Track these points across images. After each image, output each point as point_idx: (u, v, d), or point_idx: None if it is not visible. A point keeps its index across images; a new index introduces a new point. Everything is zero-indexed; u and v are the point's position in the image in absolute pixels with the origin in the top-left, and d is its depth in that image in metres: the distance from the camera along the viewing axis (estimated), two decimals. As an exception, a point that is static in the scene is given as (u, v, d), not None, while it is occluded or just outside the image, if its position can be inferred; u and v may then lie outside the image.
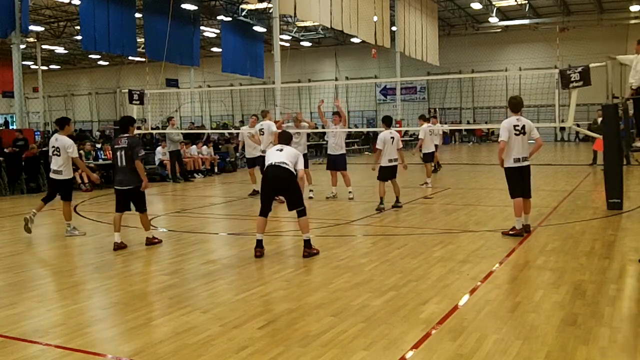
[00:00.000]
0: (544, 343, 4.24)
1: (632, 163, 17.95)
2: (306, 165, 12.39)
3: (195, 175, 19.03)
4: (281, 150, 7.35)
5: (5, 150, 15.64)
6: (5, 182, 15.21)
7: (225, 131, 26.95)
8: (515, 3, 34.78)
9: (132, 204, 8.12)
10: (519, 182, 8.14)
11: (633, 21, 35.99)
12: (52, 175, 9.12)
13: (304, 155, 12.58)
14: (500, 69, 38.22)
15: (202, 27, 32.26)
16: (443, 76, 35.37)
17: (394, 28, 31.11)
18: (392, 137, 10.90)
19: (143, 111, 18.64)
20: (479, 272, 6.25)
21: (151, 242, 8.12)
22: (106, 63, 48.43)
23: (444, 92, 41.78)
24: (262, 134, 12.86)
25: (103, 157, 17.13)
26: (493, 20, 37.04)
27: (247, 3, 28.63)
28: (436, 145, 15.48)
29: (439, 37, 36.46)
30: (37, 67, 32.14)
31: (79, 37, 29.28)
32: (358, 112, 42.90)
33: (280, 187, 7.30)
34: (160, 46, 22.91)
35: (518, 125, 8.09)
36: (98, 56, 44.92)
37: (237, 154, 22.32)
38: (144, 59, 25.76)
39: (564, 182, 14.88)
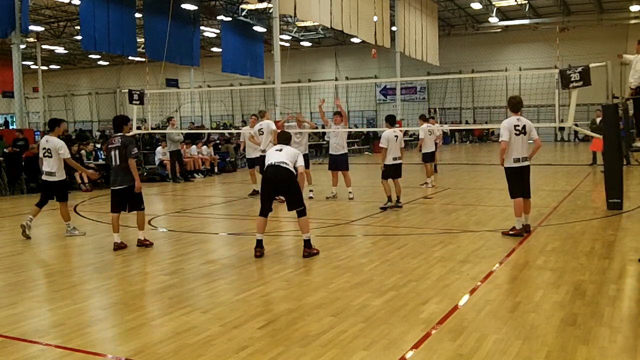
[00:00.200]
0: (544, 343, 4.24)
1: (632, 163, 17.95)
2: (307, 166, 12.41)
3: (195, 175, 19.03)
4: (281, 150, 7.35)
5: (5, 150, 15.65)
6: (5, 182, 15.21)
7: (226, 131, 26.96)
8: (515, 3, 34.77)
9: (128, 204, 8.07)
10: (519, 182, 8.15)
11: (633, 21, 35.98)
12: (45, 178, 8.99)
13: (305, 156, 12.64)
14: (500, 69, 38.22)
15: (202, 27, 32.26)
16: (443, 76, 35.36)
17: (394, 28, 31.11)
18: (396, 136, 10.97)
19: (143, 111, 18.65)
20: (479, 272, 6.25)
21: (142, 243, 7.98)
22: (106, 63, 48.42)
23: (444, 92, 41.78)
24: (262, 134, 12.87)
25: (103, 157, 17.13)
26: (493, 20, 37.03)
27: (247, 3, 28.63)
28: (436, 144, 15.46)
29: (439, 37, 36.46)
30: (37, 67, 32.15)
31: (79, 37, 29.28)
32: (358, 112, 42.90)
33: (280, 187, 7.30)
34: (160, 46, 22.91)
35: (518, 125, 8.09)
36: (98, 56, 44.92)
37: (237, 154, 22.35)
38: (144, 59, 25.76)
39: (564, 182, 14.88)
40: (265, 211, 7.25)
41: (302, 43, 41.47)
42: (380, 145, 10.98)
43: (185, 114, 40.08)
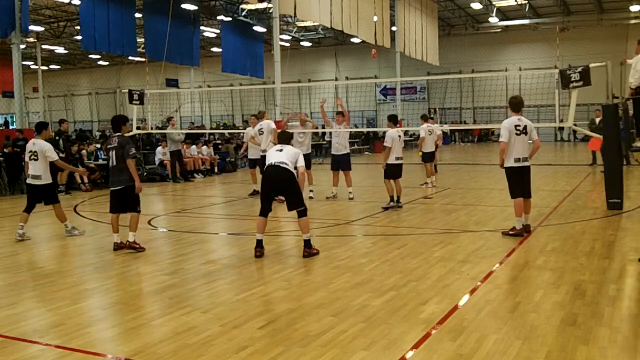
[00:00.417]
0: (544, 343, 4.24)
1: (632, 163, 17.95)
2: (309, 166, 12.42)
3: (195, 175, 19.03)
4: (281, 150, 7.35)
5: (5, 150, 15.65)
6: (5, 182, 15.21)
7: (226, 131, 26.98)
8: (515, 3, 34.77)
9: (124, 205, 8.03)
10: (519, 182, 8.15)
11: (633, 21, 35.98)
12: (30, 181, 8.85)
13: (308, 155, 12.65)
14: (500, 69, 38.22)
15: (202, 27, 32.25)
16: (443, 76, 35.37)
17: (394, 28, 31.12)
18: (399, 136, 11.08)
19: (143, 111, 18.65)
20: (479, 272, 6.25)
21: (132, 246, 7.74)
22: (106, 63, 48.42)
23: (444, 92, 41.77)
24: (262, 134, 12.87)
25: (103, 157, 17.13)
26: (493, 20, 37.03)
27: (247, 3, 28.63)
28: (436, 145, 15.45)
29: (439, 37, 36.47)
30: (37, 67, 32.12)
31: (79, 37, 29.27)
32: (358, 112, 42.89)
33: (280, 187, 7.29)
34: (160, 46, 22.91)
35: (519, 125, 8.10)
36: (98, 56, 44.91)
37: (237, 154, 22.36)
38: (144, 59, 25.76)
39: (564, 182, 14.88)
40: (265, 211, 7.25)
41: (302, 43, 41.47)
42: (385, 144, 11.01)
43: (185, 114, 40.06)
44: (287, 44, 36.60)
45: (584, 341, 4.27)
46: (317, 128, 17.97)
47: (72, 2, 27.94)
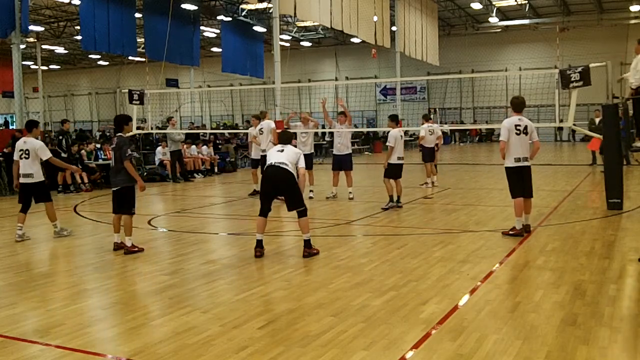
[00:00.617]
0: (544, 343, 4.24)
1: (632, 163, 17.95)
2: (311, 166, 12.43)
3: (195, 175, 19.03)
4: (282, 150, 7.34)
5: (5, 150, 15.64)
6: (5, 182, 15.19)
7: (226, 131, 26.97)
8: (515, 3, 34.77)
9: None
10: (519, 181, 8.15)
11: (633, 21, 35.97)
12: (22, 180, 8.78)
13: (310, 155, 12.65)
14: (500, 69, 38.22)
15: (202, 27, 32.24)
16: (443, 76, 35.35)
17: (394, 28, 31.10)
18: (401, 135, 11.14)
19: (143, 111, 18.65)
20: (479, 272, 6.25)
21: (130, 250, 7.61)
22: (106, 63, 48.42)
23: (444, 92, 41.77)
24: (262, 134, 12.87)
25: (103, 157, 17.14)
26: (493, 20, 37.02)
27: (247, 3, 28.62)
28: (437, 145, 15.43)
29: (439, 37, 36.45)
30: (37, 67, 32.12)
31: (79, 37, 29.26)
32: (358, 112, 42.86)
33: (280, 187, 7.29)
34: (160, 46, 22.90)
35: (520, 125, 8.10)
36: (98, 56, 44.91)
37: (238, 154, 22.36)
38: (144, 59, 25.75)
39: (564, 182, 14.88)
40: (265, 211, 7.25)
41: (302, 43, 41.47)
42: (388, 144, 11.03)
43: (185, 114, 40.06)
44: (287, 44, 36.60)
45: (584, 341, 4.27)
46: (318, 127, 17.98)
47: (72, 2, 27.93)
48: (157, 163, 18.76)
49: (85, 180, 15.46)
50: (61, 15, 32.81)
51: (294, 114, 14.52)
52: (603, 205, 10.37)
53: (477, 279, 5.99)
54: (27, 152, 8.76)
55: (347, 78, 43.64)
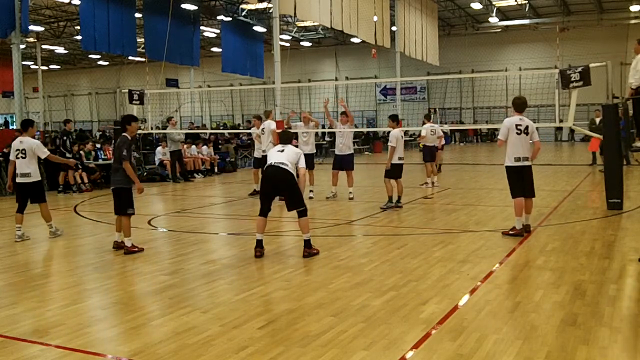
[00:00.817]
0: (544, 343, 4.24)
1: (632, 163, 17.95)
2: (312, 166, 12.43)
3: (195, 175, 19.03)
4: (282, 150, 7.34)
5: (5, 150, 15.62)
6: (5, 182, 15.18)
7: (226, 131, 26.98)
8: (515, 3, 34.75)
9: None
10: (519, 181, 8.15)
11: (633, 21, 35.96)
12: (20, 180, 8.73)
13: (311, 155, 12.66)
14: (500, 69, 38.20)
15: (202, 27, 32.23)
16: (443, 76, 35.33)
17: (394, 28, 31.09)
18: (402, 136, 11.19)
19: (143, 111, 18.62)
20: (479, 272, 6.25)
21: (130, 250, 7.58)
22: (106, 63, 48.41)
23: (444, 92, 41.76)
24: (264, 134, 12.87)
25: (103, 157, 17.14)
26: (493, 20, 37.01)
27: (247, 3, 28.62)
28: (436, 147, 15.42)
29: (439, 37, 36.42)
30: (37, 67, 32.10)
31: (79, 37, 29.25)
32: (358, 112, 42.84)
33: (280, 187, 7.29)
34: (160, 46, 22.88)
35: (520, 125, 8.10)
36: (98, 56, 44.90)
37: (238, 154, 22.35)
38: (144, 59, 25.74)
39: (564, 182, 14.88)
40: (264, 211, 7.25)
41: (302, 43, 41.46)
42: (390, 144, 11.05)
43: (185, 114, 40.06)
44: (287, 44, 36.59)
45: (584, 341, 4.27)
46: (319, 126, 17.98)
47: (72, 2, 27.93)
48: (157, 163, 18.76)
49: (85, 180, 15.45)
50: (61, 15, 32.81)
51: (293, 114, 14.51)
52: (603, 205, 10.37)
53: (477, 279, 5.99)
54: (23, 151, 8.73)
55: (347, 78, 43.63)
